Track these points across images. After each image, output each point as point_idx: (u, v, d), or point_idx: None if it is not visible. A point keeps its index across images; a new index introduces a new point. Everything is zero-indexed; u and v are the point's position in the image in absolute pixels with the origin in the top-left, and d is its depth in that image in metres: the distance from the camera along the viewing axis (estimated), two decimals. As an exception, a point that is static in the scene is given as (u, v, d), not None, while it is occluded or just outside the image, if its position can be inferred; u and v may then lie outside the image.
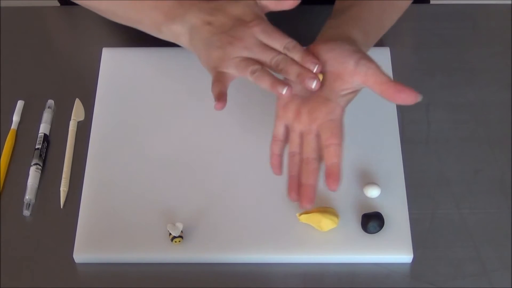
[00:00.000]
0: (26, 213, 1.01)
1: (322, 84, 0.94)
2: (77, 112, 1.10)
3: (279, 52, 0.94)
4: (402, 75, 1.12)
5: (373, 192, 1.00)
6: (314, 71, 0.93)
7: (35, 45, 1.17)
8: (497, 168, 1.05)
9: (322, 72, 0.95)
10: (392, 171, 1.03)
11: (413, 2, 1.14)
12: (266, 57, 0.94)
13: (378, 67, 0.93)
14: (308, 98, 0.95)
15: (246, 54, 0.94)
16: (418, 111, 1.09)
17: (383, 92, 0.92)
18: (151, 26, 1.03)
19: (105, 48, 1.15)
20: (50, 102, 1.11)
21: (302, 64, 0.93)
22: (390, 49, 1.13)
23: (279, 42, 0.95)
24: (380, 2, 1.03)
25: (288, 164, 0.97)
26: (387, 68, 1.12)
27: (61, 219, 1.01)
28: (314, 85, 0.92)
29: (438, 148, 1.06)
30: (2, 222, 1.01)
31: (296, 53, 0.94)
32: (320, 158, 0.95)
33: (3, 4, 1.24)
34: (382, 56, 1.12)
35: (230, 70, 0.94)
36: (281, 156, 0.97)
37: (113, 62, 1.13)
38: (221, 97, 0.93)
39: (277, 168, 0.98)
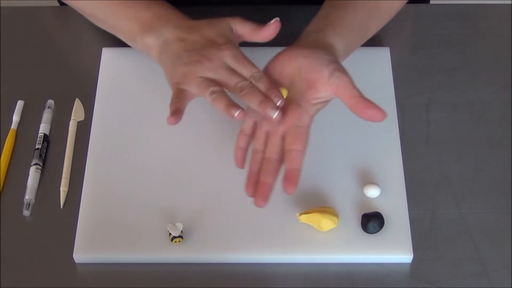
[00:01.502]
0: (26, 213, 1.01)
1: (293, 90, 0.96)
2: (77, 112, 1.10)
3: (245, 79, 0.95)
4: (402, 75, 1.12)
5: (373, 192, 1.00)
6: (277, 105, 0.94)
7: (35, 45, 1.17)
8: (497, 168, 1.05)
9: (290, 84, 0.96)
10: (392, 171, 1.03)
11: (414, 2, 1.14)
12: (231, 80, 0.95)
13: (350, 80, 0.94)
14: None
15: (211, 75, 0.95)
16: (418, 111, 1.09)
17: (352, 106, 0.94)
18: (127, 35, 1.05)
19: (105, 48, 1.15)
20: (50, 102, 1.11)
21: (266, 95, 0.94)
22: (390, 49, 1.13)
23: (247, 69, 0.95)
24: (366, 7, 1.03)
25: (250, 160, 0.97)
26: (387, 68, 1.12)
27: (61, 219, 1.01)
28: (275, 115, 0.93)
29: (438, 148, 1.06)
30: (2, 222, 1.01)
31: (262, 84, 0.95)
32: (281, 160, 0.96)
33: (3, 4, 1.24)
34: (382, 56, 1.12)
35: (191, 88, 0.95)
36: (245, 150, 0.98)
37: (113, 62, 1.13)
38: (176, 113, 0.94)
39: (240, 161, 0.98)
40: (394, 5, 1.07)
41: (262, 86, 0.94)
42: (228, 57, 0.96)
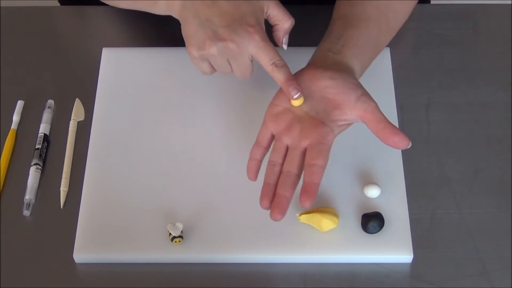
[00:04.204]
0: (26, 213, 1.01)
1: (316, 107, 0.96)
2: (77, 112, 1.10)
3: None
4: (402, 75, 1.12)
5: (373, 192, 1.00)
6: (294, 97, 0.94)
7: (35, 45, 1.17)
8: (497, 168, 1.05)
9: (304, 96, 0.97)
10: (392, 171, 1.03)
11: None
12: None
13: (377, 106, 0.95)
14: (302, 116, 0.96)
15: (224, 62, 0.96)
16: (418, 111, 1.09)
17: (378, 131, 0.94)
18: (146, 1, 1.02)
19: (105, 48, 1.15)
20: (50, 102, 1.11)
21: (285, 85, 0.95)
22: (390, 49, 1.13)
23: (269, 56, 0.95)
24: (378, 25, 1.03)
25: (266, 172, 0.96)
26: (387, 68, 1.12)
27: (61, 219, 1.01)
28: (297, 96, 0.94)
29: (438, 148, 1.06)
30: (2, 222, 1.01)
31: (283, 73, 0.95)
32: (300, 175, 0.95)
33: (3, 4, 1.24)
34: (382, 56, 1.12)
35: (200, 66, 0.98)
36: (260, 162, 0.97)
37: (113, 62, 1.13)
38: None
39: (254, 173, 0.97)
40: (401, 20, 1.07)
41: (281, 76, 0.95)
42: (254, 42, 0.95)
